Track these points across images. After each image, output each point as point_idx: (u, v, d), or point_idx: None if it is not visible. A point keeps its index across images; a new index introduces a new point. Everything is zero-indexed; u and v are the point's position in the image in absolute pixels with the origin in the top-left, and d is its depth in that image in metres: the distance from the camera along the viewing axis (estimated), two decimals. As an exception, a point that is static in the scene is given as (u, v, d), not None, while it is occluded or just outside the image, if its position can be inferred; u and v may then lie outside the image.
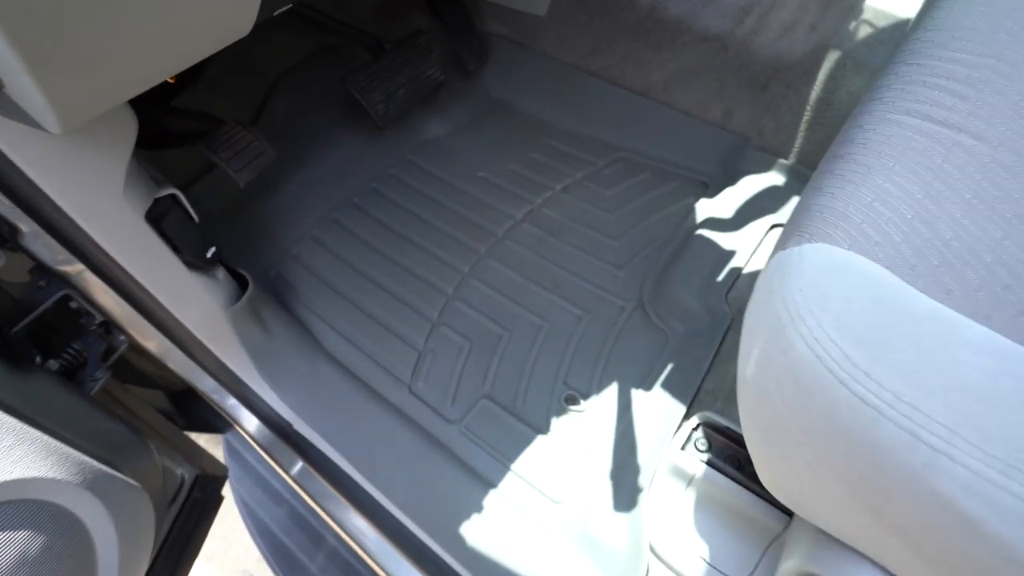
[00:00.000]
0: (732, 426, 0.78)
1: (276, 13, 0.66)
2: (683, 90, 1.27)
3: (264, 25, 1.36)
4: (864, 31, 1.14)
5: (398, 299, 1.14)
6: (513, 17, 1.43)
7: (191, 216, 0.87)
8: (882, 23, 1.15)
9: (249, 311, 1.00)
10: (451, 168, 1.35)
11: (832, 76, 1.12)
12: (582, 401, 0.97)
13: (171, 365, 1.02)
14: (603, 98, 1.36)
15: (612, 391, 0.97)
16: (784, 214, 1.09)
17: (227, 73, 1.32)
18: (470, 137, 1.41)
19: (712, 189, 1.23)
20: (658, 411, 0.91)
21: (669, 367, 0.97)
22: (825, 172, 0.54)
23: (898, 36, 1.12)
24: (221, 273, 0.97)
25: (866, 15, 1.16)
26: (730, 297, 0.97)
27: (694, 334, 0.99)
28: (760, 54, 1.18)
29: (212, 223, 1.18)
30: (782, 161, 1.17)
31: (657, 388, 0.95)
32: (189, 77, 1.27)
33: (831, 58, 1.12)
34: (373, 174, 1.35)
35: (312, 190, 1.30)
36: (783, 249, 0.48)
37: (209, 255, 0.91)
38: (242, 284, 1.02)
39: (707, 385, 0.89)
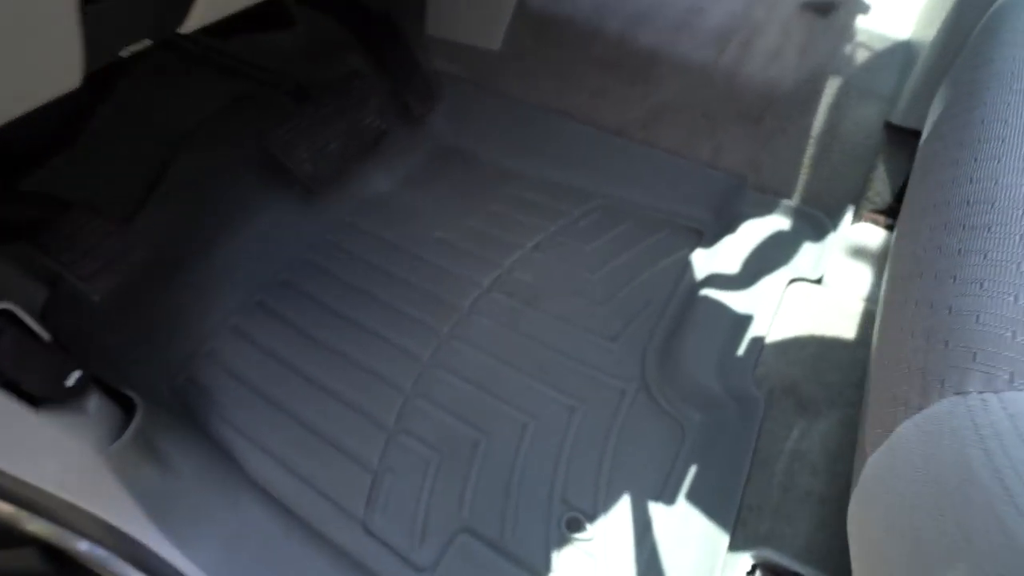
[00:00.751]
0: (801, 570, 0.58)
1: (126, 54, 0.45)
2: (665, 127, 1.11)
3: (161, 72, 1.07)
4: (862, 55, 1.01)
5: (343, 403, 0.91)
6: (464, 53, 1.26)
7: (35, 335, 0.62)
8: (880, 46, 1.02)
9: (138, 446, 0.75)
10: (400, 230, 1.14)
11: (835, 105, 0.98)
12: (588, 526, 0.75)
13: (30, 528, 0.75)
14: (573, 139, 1.19)
15: (624, 509, 0.76)
16: (799, 264, 0.93)
17: (114, 132, 1.08)
18: (420, 192, 1.21)
19: (707, 238, 1.07)
20: (690, 538, 0.70)
21: (692, 471, 0.76)
22: (967, 253, 0.36)
23: (901, 60, 1.00)
24: (93, 402, 0.72)
25: (860, 38, 1.04)
26: (758, 375, 0.79)
27: (718, 425, 0.79)
28: (750, 84, 1.04)
29: (89, 324, 0.93)
30: (785, 202, 1.01)
31: (682, 502, 0.74)
32: (58, 141, 1.02)
33: (831, 85, 0.99)
34: (306, 243, 1.12)
35: (230, 268, 1.06)
36: (959, 393, 0.29)
37: (70, 382, 0.67)
38: (129, 409, 0.77)
39: (749, 498, 0.69)
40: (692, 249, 1.05)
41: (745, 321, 0.86)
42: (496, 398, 0.89)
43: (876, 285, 0.86)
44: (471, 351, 0.95)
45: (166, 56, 1.13)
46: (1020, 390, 0.27)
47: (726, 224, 1.05)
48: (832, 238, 0.93)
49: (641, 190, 1.14)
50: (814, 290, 0.88)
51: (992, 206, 0.37)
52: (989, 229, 0.36)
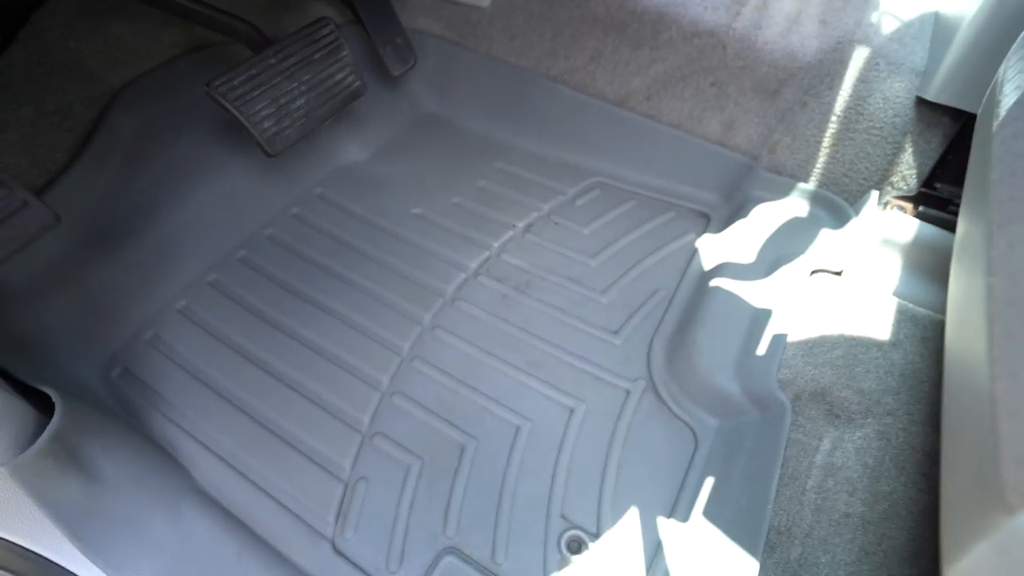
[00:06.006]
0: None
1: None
2: (671, 98, 1.01)
3: (95, 12, 0.92)
4: (890, 25, 0.93)
5: (310, 399, 0.79)
6: (448, 9, 1.13)
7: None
8: (908, 16, 0.94)
9: (56, 454, 0.62)
10: (375, 204, 1.01)
11: (862, 79, 0.89)
12: (590, 544, 0.66)
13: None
14: (569, 109, 1.07)
15: (632, 527, 0.67)
16: (819, 254, 0.84)
17: (38, 77, 0.92)
18: (398, 162, 1.08)
19: (716, 222, 0.98)
20: (709, 563, 0.62)
21: (709, 485, 0.68)
22: None
23: (931, 31, 0.91)
24: (-3, 402, 0.59)
25: (886, 6, 0.95)
26: (782, 377, 0.70)
27: (737, 433, 0.71)
28: (767, 52, 0.94)
29: (6, 307, 0.78)
30: (802, 185, 0.93)
31: (698, 520, 0.66)
32: None
33: (858, 56, 0.90)
34: (267, 217, 0.99)
35: (178, 243, 0.92)
36: None
37: (-37, 380, 0.54)
38: (47, 409, 0.64)
39: (776, 519, 0.61)
40: (699, 234, 0.96)
41: (764, 316, 0.77)
42: (485, 396, 0.79)
43: (908, 279, 0.79)
44: (456, 343, 0.84)
45: (97, -6, 0.97)
46: None
47: (737, 207, 0.96)
48: (854, 226, 0.85)
49: (644, 168, 1.04)
50: (837, 283, 0.80)
51: None
52: None
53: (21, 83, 0.92)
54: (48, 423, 0.62)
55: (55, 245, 0.82)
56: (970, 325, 0.42)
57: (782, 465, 0.64)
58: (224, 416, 0.78)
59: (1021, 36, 0.59)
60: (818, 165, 0.92)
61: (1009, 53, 0.59)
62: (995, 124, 0.53)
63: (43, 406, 0.65)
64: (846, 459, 0.62)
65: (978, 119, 0.64)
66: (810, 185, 0.93)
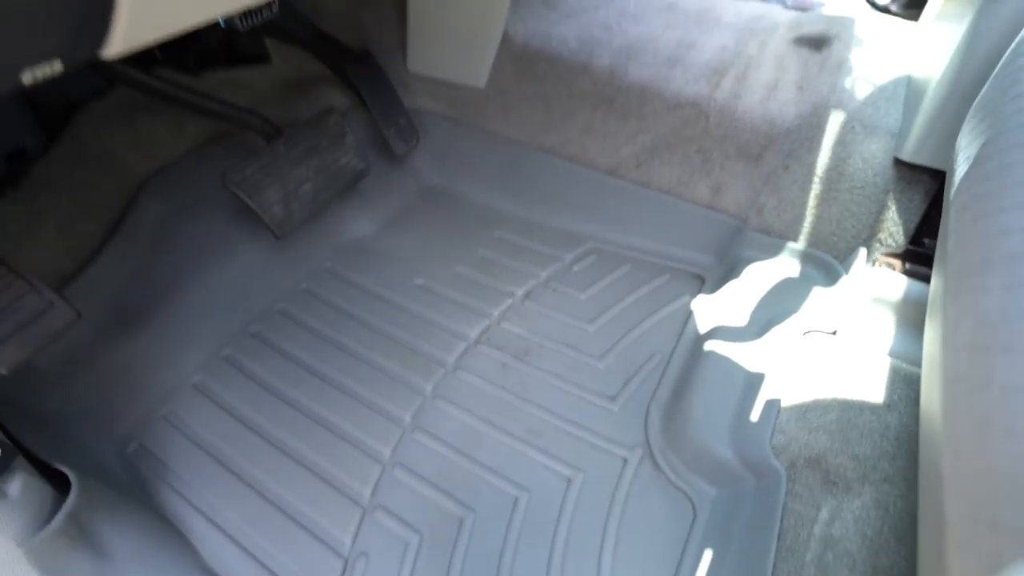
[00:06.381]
0: None
1: (33, 79, 0.37)
2: (660, 165, 1.05)
3: (124, 111, 1.01)
4: (864, 89, 0.96)
5: (313, 472, 0.81)
6: (448, 90, 1.21)
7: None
8: (880, 80, 0.98)
9: (69, 533, 0.64)
10: (381, 276, 1.06)
11: (839, 141, 0.92)
12: (589, 620, 0.66)
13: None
14: (564, 179, 1.12)
15: (631, 601, 0.66)
16: (812, 313, 0.85)
17: (68, 175, 1.01)
18: (403, 235, 1.14)
19: (710, 283, 1.00)
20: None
21: (708, 557, 0.67)
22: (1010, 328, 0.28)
23: (904, 94, 0.95)
24: (16, 485, 0.63)
25: (859, 71, 0.99)
26: (776, 444, 0.70)
27: (734, 502, 0.70)
28: (747, 120, 0.98)
29: (30, 387, 0.83)
30: (791, 245, 0.95)
31: (696, 593, 0.65)
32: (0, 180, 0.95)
33: (835, 120, 0.93)
34: (280, 292, 1.04)
35: (195, 321, 0.97)
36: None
37: (-13, 467, 0.57)
38: (64, 488, 0.67)
39: (774, 591, 0.60)
40: (694, 296, 0.98)
41: (757, 380, 0.78)
42: (483, 467, 0.80)
43: (900, 337, 0.79)
44: (457, 412, 0.86)
45: (130, 94, 1.07)
46: None
47: (729, 268, 0.98)
48: (845, 284, 0.86)
49: (637, 233, 1.07)
50: (830, 343, 0.81)
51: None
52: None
53: (60, 179, 1.00)
54: (64, 501, 0.65)
55: (81, 329, 0.88)
56: (933, 391, 0.43)
57: (781, 536, 0.63)
58: (231, 490, 0.80)
59: (973, 106, 0.61)
60: (806, 225, 0.94)
61: (964, 122, 0.61)
62: (952, 192, 0.55)
63: (60, 484, 0.69)
64: (845, 530, 0.61)
65: (945, 183, 0.66)
66: (799, 244, 0.95)
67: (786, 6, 1.58)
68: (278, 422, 0.87)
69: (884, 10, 1.19)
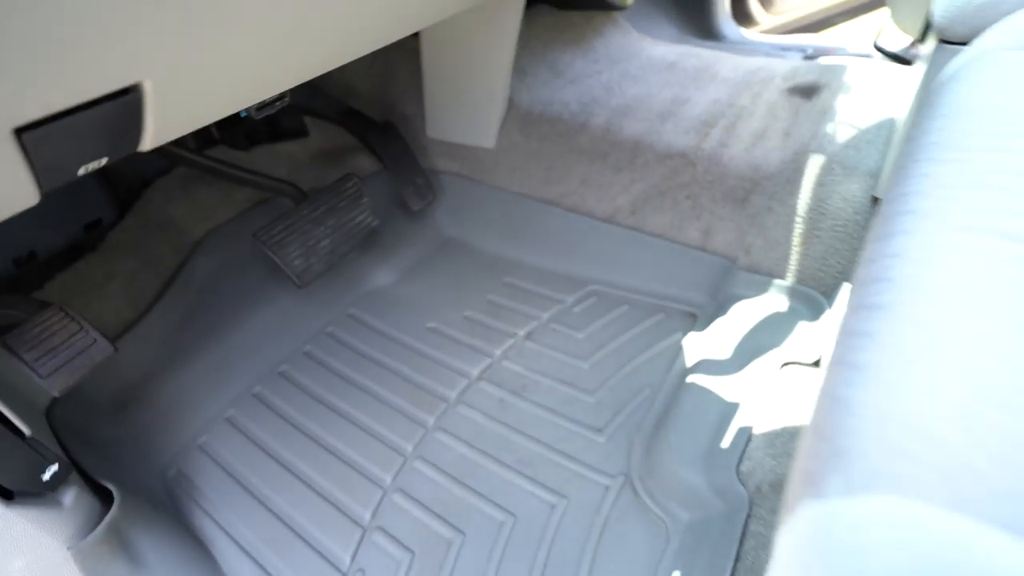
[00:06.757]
0: None
1: (84, 171, 0.50)
2: (653, 211, 1.12)
3: (182, 186, 1.19)
4: (845, 132, 1.01)
5: (323, 496, 0.89)
6: (461, 151, 1.34)
7: (15, 428, 0.66)
8: (863, 124, 1.02)
9: (110, 541, 0.75)
10: (397, 321, 1.16)
11: (820, 183, 0.96)
12: (563, 640, 0.69)
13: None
14: (565, 228, 1.21)
15: (603, 622, 0.69)
16: (794, 346, 0.88)
17: (136, 240, 1.19)
18: (419, 283, 1.24)
19: (701, 320, 1.03)
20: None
21: (677, 579, 0.69)
22: (861, 335, 0.33)
23: (885, 134, 0.99)
24: (70, 496, 0.74)
25: (843, 117, 1.04)
26: (743, 471, 0.73)
27: (702, 525, 0.72)
28: (732, 166, 1.04)
29: (91, 416, 0.97)
30: (778, 282, 0.98)
31: (664, 615, 0.67)
32: (80, 248, 1.13)
33: (815, 163, 0.98)
34: (307, 335, 1.16)
35: (233, 361, 1.10)
36: (819, 497, 0.26)
37: (46, 477, 0.69)
38: (108, 502, 0.78)
39: (733, 612, 0.62)
40: (686, 333, 1.02)
41: (731, 410, 0.81)
42: (475, 494, 0.85)
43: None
44: (455, 444, 0.93)
45: (189, 171, 1.26)
46: (873, 493, 0.24)
47: (720, 306, 1.02)
48: (828, 318, 0.88)
49: (633, 275, 1.13)
50: (808, 373, 0.83)
51: (891, 284, 0.35)
52: (907, 304, 0.34)
53: (129, 243, 1.18)
54: (106, 513, 0.76)
55: (133, 369, 1.02)
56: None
57: (741, 558, 0.65)
58: (252, 513, 0.89)
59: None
60: (792, 262, 0.97)
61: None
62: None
63: (105, 498, 0.80)
64: (802, 551, 0.62)
65: None
66: (787, 281, 0.98)
67: (806, 55, 1.65)
68: (296, 452, 0.96)
69: (895, 57, 1.22)
